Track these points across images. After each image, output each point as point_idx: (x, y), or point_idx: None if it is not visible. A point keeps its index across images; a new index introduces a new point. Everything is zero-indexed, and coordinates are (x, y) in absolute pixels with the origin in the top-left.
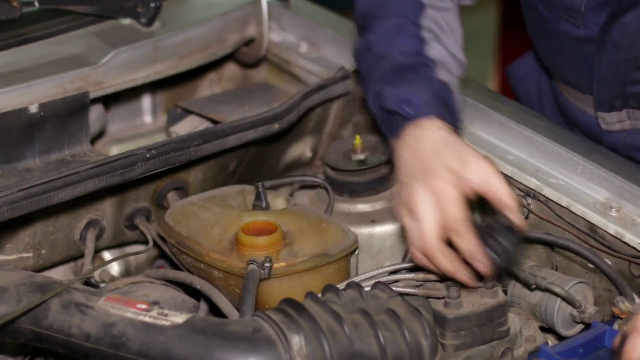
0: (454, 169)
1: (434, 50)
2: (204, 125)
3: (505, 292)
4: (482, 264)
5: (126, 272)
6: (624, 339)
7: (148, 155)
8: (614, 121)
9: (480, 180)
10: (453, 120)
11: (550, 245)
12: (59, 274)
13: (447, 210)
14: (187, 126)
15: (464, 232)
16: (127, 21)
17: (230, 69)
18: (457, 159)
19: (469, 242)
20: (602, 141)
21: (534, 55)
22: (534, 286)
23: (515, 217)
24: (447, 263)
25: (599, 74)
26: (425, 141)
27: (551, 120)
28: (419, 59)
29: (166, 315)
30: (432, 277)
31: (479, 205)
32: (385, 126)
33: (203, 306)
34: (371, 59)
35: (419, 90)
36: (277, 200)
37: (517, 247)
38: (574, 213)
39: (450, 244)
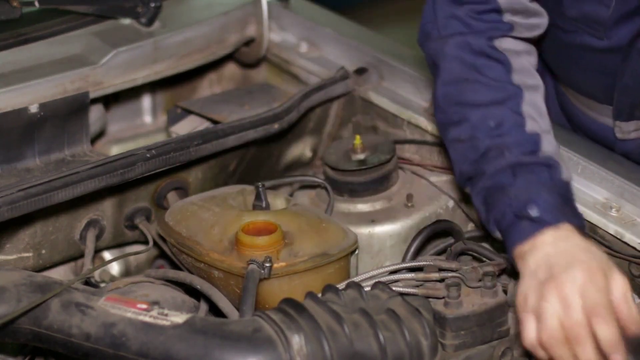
0: (599, 280)
1: (549, 144)
2: (204, 125)
3: (505, 292)
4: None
5: (126, 272)
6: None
7: (148, 155)
8: (630, 130)
9: (621, 296)
10: (581, 224)
11: None
12: (59, 274)
13: (590, 298)
14: (187, 126)
15: (607, 317)
16: (127, 21)
17: (230, 69)
18: (601, 269)
19: (611, 330)
20: (615, 149)
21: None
22: None
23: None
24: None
25: (622, 83)
26: (567, 240)
27: (556, 121)
28: (537, 158)
29: (166, 315)
30: (432, 277)
31: None
32: (507, 231)
33: (203, 306)
34: (478, 150)
35: (544, 191)
36: (277, 200)
37: None
38: None
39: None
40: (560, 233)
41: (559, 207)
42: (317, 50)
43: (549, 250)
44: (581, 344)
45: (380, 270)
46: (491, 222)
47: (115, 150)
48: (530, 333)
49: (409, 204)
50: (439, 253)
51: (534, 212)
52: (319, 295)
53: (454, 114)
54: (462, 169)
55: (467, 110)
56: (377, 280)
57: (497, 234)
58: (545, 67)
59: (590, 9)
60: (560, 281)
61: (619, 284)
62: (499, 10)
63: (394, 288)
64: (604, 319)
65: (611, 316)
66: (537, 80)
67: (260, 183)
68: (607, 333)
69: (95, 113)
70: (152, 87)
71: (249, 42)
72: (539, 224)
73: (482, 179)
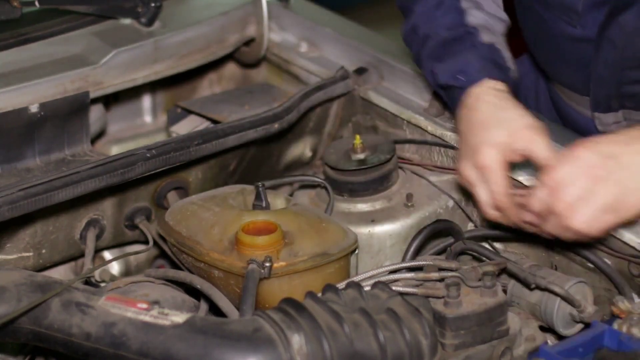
0: (500, 143)
1: (474, 18)
2: (204, 125)
3: (504, 291)
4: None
5: (126, 272)
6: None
7: (148, 155)
8: (610, 122)
9: (524, 148)
10: (506, 77)
11: (550, 245)
12: (59, 273)
13: (492, 186)
14: (187, 126)
15: (507, 207)
16: (127, 21)
17: (231, 68)
18: (504, 130)
19: (512, 217)
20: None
21: (529, 58)
22: (533, 286)
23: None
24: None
25: (596, 74)
26: (475, 113)
27: (549, 119)
28: (462, 29)
29: (166, 314)
30: (432, 276)
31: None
32: (448, 102)
33: (203, 306)
34: (418, 40)
35: (469, 58)
36: (277, 200)
37: None
38: None
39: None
40: (477, 96)
41: (481, 68)
42: (317, 50)
43: (466, 119)
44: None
45: (380, 270)
46: (444, 99)
47: (115, 150)
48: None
49: (409, 204)
50: (439, 253)
51: (460, 76)
52: (319, 294)
53: (405, 7)
54: (413, 55)
55: (414, 3)
56: (377, 279)
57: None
58: (538, 69)
59: None
60: (479, 155)
61: (521, 140)
62: None
63: (393, 288)
64: (503, 208)
65: (509, 203)
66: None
67: (260, 183)
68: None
69: (96, 113)
70: (152, 87)
71: (249, 42)
72: (462, 89)
73: (424, 62)
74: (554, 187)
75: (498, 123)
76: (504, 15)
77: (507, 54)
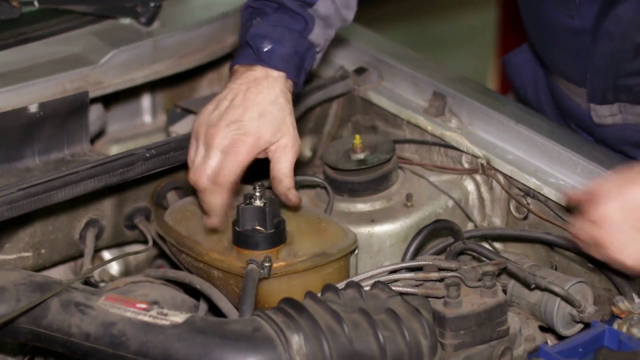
0: (266, 135)
1: (324, 6)
2: None
3: (504, 291)
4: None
5: (126, 272)
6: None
7: (148, 155)
8: (605, 114)
9: (274, 152)
10: (298, 81)
11: (550, 245)
12: (58, 273)
13: (228, 163)
14: (187, 126)
15: (223, 188)
16: (126, 21)
17: None
18: (274, 126)
19: (219, 198)
20: (594, 134)
21: (529, 48)
22: (533, 286)
23: (283, 194)
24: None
25: (592, 65)
26: (258, 91)
27: (550, 119)
28: (303, 9)
29: (166, 314)
30: (431, 276)
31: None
32: (240, 50)
33: (203, 306)
34: None
35: (286, 42)
36: None
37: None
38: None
39: None
40: (269, 79)
41: (287, 59)
42: None
43: (246, 87)
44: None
45: (380, 270)
46: (241, 34)
47: (114, 149)
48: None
49: (409, 204)
50: (439, 253)
51: (266, 49)
52: (319, 294)
53: None
54: None
55: None
56: (376, 279)
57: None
58: (537, 59)
59: None
60: (214, 132)
61: (280, 143)
62: None
63: (393, 288)
64: (216, 188)
65: (225, 188)
66: None
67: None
68: (211, 201)
69: (95, 113)
70: (152, 86)
71: None
72: (260, 60)
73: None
74: (601, 221)
75: (274, 116)
76: (350, 17)
77: (317, 63)
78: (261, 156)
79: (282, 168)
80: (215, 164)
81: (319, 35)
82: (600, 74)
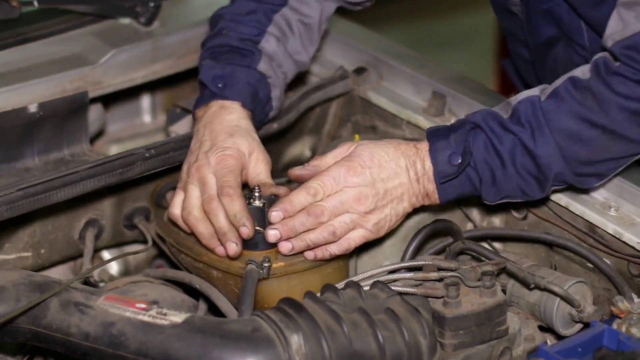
0: (242, 147)
1: (269, 45)
2: None
3: (504, 291)
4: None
5: (125, 272)
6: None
7: (147, 155)
8: None
9: (253, 164)
10: (254, 109)
11: (549, 245)
12: (58, 273)
13: (224, 175)
14: (186, 126)
15: (235, 193)
16: (126, 21)
17: None
18: (246, 140)
19: (237, 204)
20: None
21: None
22: (532, 285)
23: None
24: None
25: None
26: (220, 121)
27: None
28: (250, 46)
29: (165, 314)
30: (431, 276)
31: None
32: (198, 95)
33: (202, 306)
34: (215, 28)
35: (237, 76)
36: None
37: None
38: (573, 212)
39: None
40: (226, 109)
41: (241, 90)
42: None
43: (209, 121)
44: (214, 215)
45: (379, 270)
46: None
47: (114, 149)
48: (175, 208)
49: None
50: (438, 252)
51: (220, 85)
52: (318, 294)
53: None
54: (207, 35)
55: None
56: (376, 279)
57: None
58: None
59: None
60: (199, 164)
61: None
62: None
63: (393, 287)
64: (230, 196)
65: (237, 193)
66: (311, 11)
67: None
68: (233, 207)
69: (95, 113)
70: (151, 86)
71: None
72: (215, 95)
73: (205, 48)
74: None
75: (240, 140)
76: (306, 61)
77: (276, 92)
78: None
79: (262, 175)
80: (214, 182)
81: (267, 68)
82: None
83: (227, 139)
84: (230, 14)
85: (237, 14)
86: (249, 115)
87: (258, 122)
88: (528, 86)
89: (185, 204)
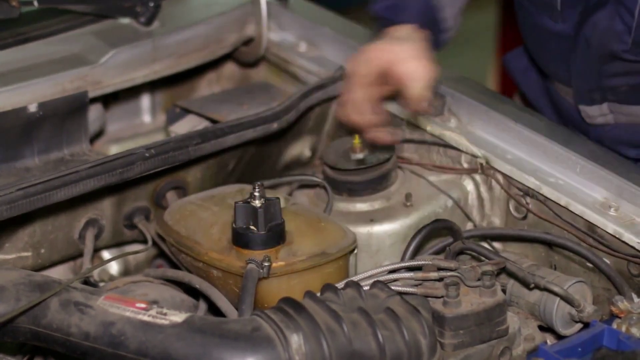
0: (392, 60)
1: None
2: (203, 124)
3: (504, 291)
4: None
5: (125, 272)
6: None
7: (147, 155)
8: (595, 115)
9: (402, 78)
10: (435, 30)
11: (549, 245)
12: (58, 273)
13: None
14: (186, 125)
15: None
16: (126, 21)
17: (229, 68)
18: (406, 52)
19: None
20: (589, 134)
21: (524, 49)
22: (532, 285)
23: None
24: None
25: (576, 68)
26: (392, 36)
27: (550, 119)
28: None
29: (165, 314)
30: (431, 276)
31: None
32: (375, 25)
33: (202, 305)
34: None
35: (408, 2)
36: None
37: None
38: (573, 212)
39: None
40: (402, 29)
41: (415, 14)
42: (316, 49)
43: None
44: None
45: (379, 270)
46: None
47: (114, 149)
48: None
49: (408, 204)
50: (438, 252)
51: (393, 13)
52: (318, 294)
53: None
54: None
55: None
56: (376, 279)
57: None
58: (530, 58)
59: None
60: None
61: (406, 69)
62: None
63: (392, 287)
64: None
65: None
66: None
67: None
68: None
69: (94, 112)
70: (151, 86)
71: (248, 42)
72: (391, 23)
73: None
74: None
75: (407, 47)
76: None
77: (449, 12)
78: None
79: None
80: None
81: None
82: (583, 77)
83: (393, 48)
84: None
85: None
86: (422, 34)
87: (437, 43)
88: (542, 68)
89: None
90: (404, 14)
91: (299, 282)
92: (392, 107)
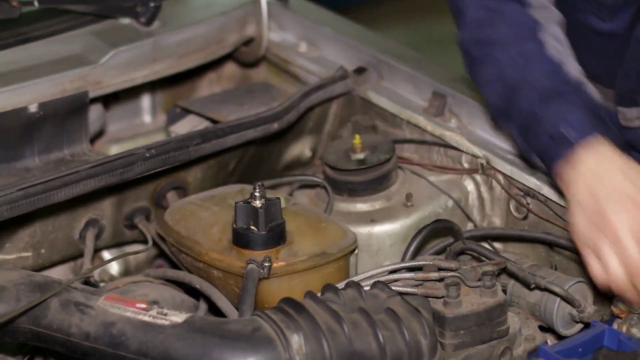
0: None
1: (573, 68)
2: (204, 124)
3: (504, 291)
4: None
5: (125, 272)
6: None
7: (147, 155)
8: (633, 117)
9: None
10: (611, 134)
11: (550, 245)
12: (58, 273)
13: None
14: (187, 126)
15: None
16: (126, 21)
17: (230, 68)
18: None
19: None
20: (621, 137)
21: None
22: (533, 285)
23: None
24: None
25: (622, 69)
26: (606, 163)
27: None
28: (560, 77)
29: (165, 314)
30: (431, 276)
31: None
32: (546, 154)
33: (202, 305)
34: (506, 89)
35: (575, 111)
36: None
37: None
38: None
39: None
40: (596, 150)
41: (591, 123)
42: (316, 49)
43: (589, 175)
44: None
45: (380, 270)
46: (530, 150)
47: (114, 149)
48: (597, 272)
49: (408, 204)
50: (438, 252)
51: (567, 131)
52: (318, 294)
53: (481, 55)
54: (496, 105)
55: (493, 49)
56: (376, 279)
57: (538, 161)
58: None
59: None
60: (609, 222)
61: None
62: None
63: (393, 287)
64: None
65: None
66: (553, 13)
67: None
68: None
69: (95, 112)
70: (152, 86)
71: (248, 42)
72: (574, 141)
73: (516, 112)
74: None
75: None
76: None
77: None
78: None
79: None
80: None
81: (592, 93)
82: (629, 78)
83: (618, 182)
84: (509, 68)
85: (516, 64)
86: (611, 145)
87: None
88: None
89: (607, 267)
90: (581, 127)
91: (299, 282)
92: (392, 107)
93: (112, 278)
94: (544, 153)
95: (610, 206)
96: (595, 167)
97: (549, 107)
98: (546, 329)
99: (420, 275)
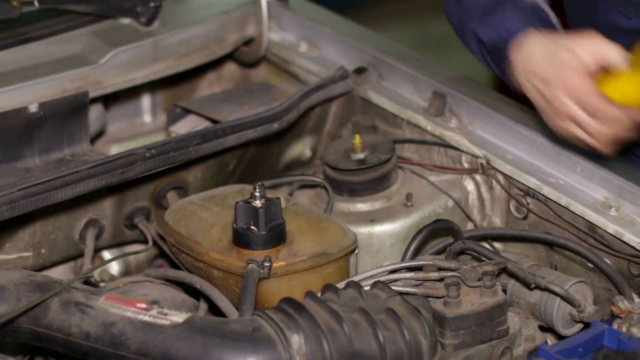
0: (579, 64)
1: None
2: (204, 124)
3: (504, 291)
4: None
5: (126, 272)
6: None
7: (147, 155)
8: None
9: (594, 55)
10: (552, 29)
11: (550, 245)
12: (58, 273)
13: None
14: (187, 126)
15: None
16: (126, 21)
17: (230, 68)
18: (569, 52)
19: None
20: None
21: None
22: (533, 285)
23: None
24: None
25: None
26: (533, 55)
27: None
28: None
29: (166, 314)
30: (431, 276)
31: None
32: (495, 60)
33: (203, 305)
34: (460, 9)
35: (512, 18)
36: None
37: None
38: (573, 212)
39: None
40: (527, 45)
41: (523, 21)
42: (316, 49)
43: (524, 67)
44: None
45: (380, 270)
46: (488, 61)
47: (114, 149)
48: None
49: (409, 204)
50: (439, 252)
51: (504, 33)
52: (319, 294)
53: None
54: (455, 24)
55: None
56: (376, 279)
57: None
58: None
59: None
60: (553, 96)
61: (587, 49)
62: None
63: (393, 287)
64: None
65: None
66: None
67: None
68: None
69: (95, 112)
70: (152, 86)
71: (248, 42)
72: (508, 45)
73: (465, 28)
74: None
75: (558, 52)
76: None
77: (551, 13)
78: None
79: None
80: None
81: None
82: None
83: (555, 66)
84: None
85: None
86: (544, 33)
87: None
88: None
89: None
90: (516, 31)
91: (299, 282)
92: (392, 107)
93: (112, 278)
94: (495, 61)
95: (559, 71)
96: (526, 47)
97: (488, 20)
98: (546, 328)
99: (420, 275)
